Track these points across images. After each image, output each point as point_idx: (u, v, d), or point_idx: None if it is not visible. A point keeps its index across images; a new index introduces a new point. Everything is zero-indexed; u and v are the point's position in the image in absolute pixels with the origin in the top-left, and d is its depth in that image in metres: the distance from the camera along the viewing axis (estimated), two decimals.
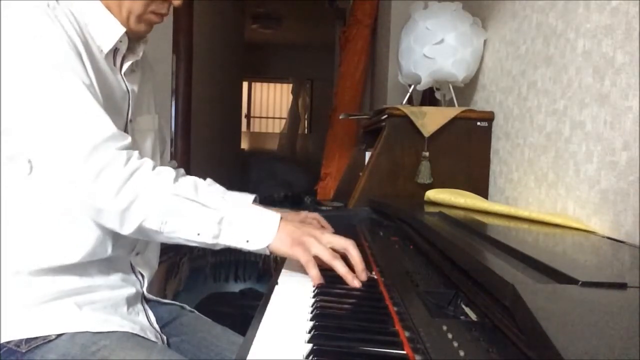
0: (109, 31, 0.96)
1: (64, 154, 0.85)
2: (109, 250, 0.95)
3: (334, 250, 0.89)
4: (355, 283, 0.84)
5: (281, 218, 0.90)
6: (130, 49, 1.02)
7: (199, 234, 0.87)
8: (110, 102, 0.96)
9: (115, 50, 0.99)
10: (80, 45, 0.90)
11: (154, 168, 0.89)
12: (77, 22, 0.92)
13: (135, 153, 0.89)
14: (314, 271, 0.85)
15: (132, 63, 1.02)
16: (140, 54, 1.05)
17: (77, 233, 0.91)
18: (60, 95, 0.85)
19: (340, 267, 0.85)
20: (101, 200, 0.85)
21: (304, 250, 0.87)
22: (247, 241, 0.88)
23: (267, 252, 0.89)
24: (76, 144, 0.84)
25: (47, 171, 0.88)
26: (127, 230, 0.87)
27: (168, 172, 0.90)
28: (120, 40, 0.97)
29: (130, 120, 1.03)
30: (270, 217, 0.90)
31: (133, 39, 1.02)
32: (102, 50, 0.95)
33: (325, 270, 0.88)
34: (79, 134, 0.85)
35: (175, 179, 0.89)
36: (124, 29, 0.97)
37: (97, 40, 0.95)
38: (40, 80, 0.85)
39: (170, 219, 0.87)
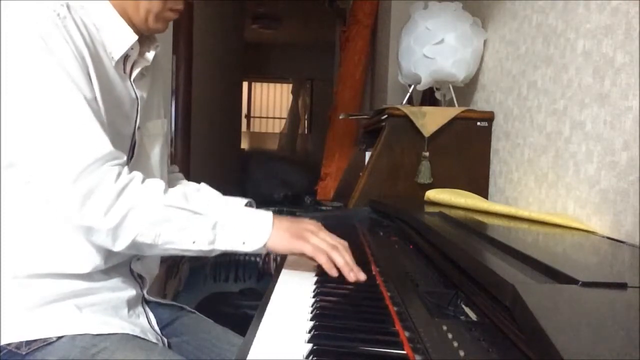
0: (120, 38, 0.94)
1: (53, 173, 0.83)
2: (113, 260, 0.95)
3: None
4: (352, 276, 0.86)
5: (274, 216, 0.91)
6: (141, 54, 1.01)
7: (194, 242, 0.87)
8: (119, 110, 0.95)
9: (125, 57, 0.97)
10: (88, 57, 0.88)
11: (143, 181, 0.88)
12: (88, 30, 0.90)
13: (125, 168, 0.87)
14: (323, 258, 0.87)
15: (142, 68, 1.01)
16: (151, 59, 1.03)
17: (85, 243, 0.90)
18: (56, 112, 0.83)
19: (338, 259, 0.87)
20: (90, 220, 0.84)
21: (305, 242, 0.89)
22: (244, 243, 0.88)
23: (264, 252, 0.89)
24: (66, 164, 0.83)
25: (39, 186, 0.87)
26: (120, 246, 0.86)
27: (157, 183, 0.89)
28: (131, 48, 0.96)
29: (139, 127, 1.01)
30: (264, 216, 0.91)
31: (149, 36, 1.02)
32: (112, 58, 0.94)
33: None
34: (70, 154, 0.83)
35: (165, 190, 0.89)
36: (136, 37, 0.96)
37: (108, 48, 0.94)
38: (40, 94, 0.83)
39: (163, 230, 0.86)
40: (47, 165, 0.83)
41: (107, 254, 0.93)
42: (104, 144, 0.86)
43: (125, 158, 0.89)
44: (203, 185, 1.16)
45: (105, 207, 0.83)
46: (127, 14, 0.96)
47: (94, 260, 0.92)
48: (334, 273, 0.87)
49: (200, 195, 1.14)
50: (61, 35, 0.85)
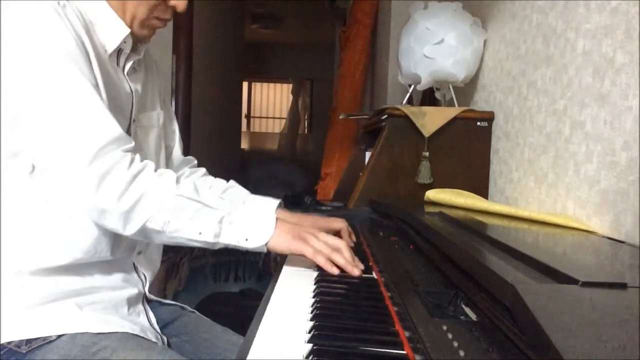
0: (113, 31, 0.96)
1: (68, 155, 0.85)
2: (109, 250, 0.95)
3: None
4: (356, 271, 0.89)
5: (277, 218, 0.93)
6: (133, 49, 1.02)
7: (200, 233, 0.89)
8: (115, 102, 0.96)
9: (119, 51, 0.99)
10: (89, 45, 0.90)
11: (156, 170, 0.90)
12: (85, 21, 0.92)
13: (137, 156, 0.89)
14: (322, 259, 0.90)
15: (134, 62, 1.03)
16: (142, 52, 1.05)
17: (75, 232, 0.91)
18: (67, 95, 0.85)
19: (339, 259, 0.90)
20: (105, 202, 0.85)
21: (305, 244, 0.91)
22: (247, 239, 0.90)
23: (265, 250, 0.91)
24: (81, 146, 0.85)
25: (49, 172, 0.88)
26: (130, 230, 0.88)
27: (169, 174, 0.91)
28: (124, 41, 0.98)
29: (134, 120, 1.03)
30: (268, 216, 0.93)
31: (135, 41, 1.03)
32: (106, 50, 0.96)
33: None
34: (84, 136, 0.85)
35: (177, 180, 0.91)
36: (128, 30, 0.97)
37: (102, 40, 0.95)
38: (47, 78, 0.85)
39: (173, 218, 0.88)
40: (61, 148, 0.85)
41: (101, 243, 0.93)
42: (115, 127, 0.88)
43: (134, 143, 0.91)
44: (232, 182, 1.21)
45: (119, 191, 0.85)
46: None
47: (84, 247, 0.92)
48: (334, 271, 0.89)
49: (211, 189, 1.18)
50: (63, 22, 0.87)
